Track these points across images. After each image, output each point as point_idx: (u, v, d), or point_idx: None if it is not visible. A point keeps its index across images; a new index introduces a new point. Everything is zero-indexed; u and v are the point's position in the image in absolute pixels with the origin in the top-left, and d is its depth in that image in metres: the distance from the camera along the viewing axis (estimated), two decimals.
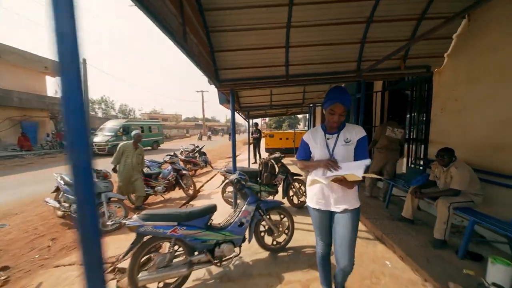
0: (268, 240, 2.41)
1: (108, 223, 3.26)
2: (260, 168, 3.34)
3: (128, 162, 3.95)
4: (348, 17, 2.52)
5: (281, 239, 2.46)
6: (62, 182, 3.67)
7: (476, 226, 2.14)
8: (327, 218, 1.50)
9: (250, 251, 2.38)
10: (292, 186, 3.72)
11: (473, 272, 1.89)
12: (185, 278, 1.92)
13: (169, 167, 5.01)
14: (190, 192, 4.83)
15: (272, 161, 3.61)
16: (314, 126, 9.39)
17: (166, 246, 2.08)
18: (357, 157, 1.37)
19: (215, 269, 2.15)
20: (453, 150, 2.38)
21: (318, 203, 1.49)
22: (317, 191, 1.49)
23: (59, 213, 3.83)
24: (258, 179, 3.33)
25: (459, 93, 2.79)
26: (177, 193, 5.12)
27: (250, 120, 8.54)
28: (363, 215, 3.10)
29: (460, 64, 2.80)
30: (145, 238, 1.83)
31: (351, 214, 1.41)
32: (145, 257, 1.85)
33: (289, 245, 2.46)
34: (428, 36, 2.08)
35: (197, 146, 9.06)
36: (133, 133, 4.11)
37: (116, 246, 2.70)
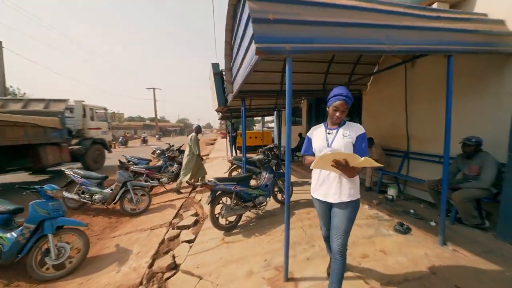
0: (279, 196, 3.78)
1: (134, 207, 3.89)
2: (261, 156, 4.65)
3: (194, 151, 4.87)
4: (319, 61, 4.19)
5: None
6: (78, 176, 4.00)
7: (386, 177, 4.12)
8: (327, 207, 1.59)
9: (270, 203, 3.69)
10: (277, 183, 3.83)
11: (382, 197, 3.80)
12: (240, 217, 3.06)
13: (160, 162, 5.68)
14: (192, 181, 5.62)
15: (268, 151, 4.97)
16: (279, 126, 11.23)
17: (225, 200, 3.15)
18: (356, 152, 1.40)
19: (252, 214, 3.35)
20: (372, 138, 4.34)
21: (319, 193, 1.58)
22: (317, 181, 1.58)
23: (72, 205, 4.08)
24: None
25: (374, 107, 4.89)
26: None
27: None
28: None
29: (373, 91, 4.91)
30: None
31: (348, 206, 1.47)
32: (219, 205, 2.92)
33: (291, 199, 3.90)
34: (358, 76, 3.93)
35: (173, 145, 9.45)
36: (195, 126, 5.19)
37: (150, 224, 3.53)
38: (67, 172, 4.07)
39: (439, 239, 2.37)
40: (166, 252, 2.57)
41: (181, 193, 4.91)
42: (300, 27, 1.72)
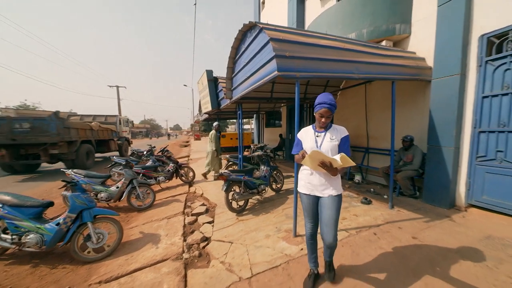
0: (274, 186, 4.58)
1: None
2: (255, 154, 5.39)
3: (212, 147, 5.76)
4: None
5: (279, 185, 4.69)
6: (80, 176, 4.12)
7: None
8: (314, 202, 1.75)
9: (268, 192, 4.44)
10: (272, 175, 4.51)
11: (351, 182, 4.92)
12: (247, 202, 3.75)
13: (150, 162, 5.96)
14: (190, 178, 6.00)
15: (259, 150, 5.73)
16: (259, 127, 12.08)
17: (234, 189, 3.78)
18: (341, 151, 1.62)
19: (254, 200, 4.07)
20: None
21: (307, 188, 1.75)
22: (306, 178, 1.76)
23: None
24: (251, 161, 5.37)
25: (342, 114, 6.13)
26: (175, 182, 6.08)
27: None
28: None
29: (342, 101, 6.15)
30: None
31: (335, 198, 1.66)
32: (230, 193, 3.55)
33: (282, 189, 4.73)
34: (331, 88, 5.03)
35: (154, 147, 9.45)
36: (215, 123, 5.97)
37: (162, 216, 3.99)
38: (68, 172, 4.14)
39: (389, 205, 3.48)
40: (192, 232, 3.10)
41: (207, 178, 6.08)
42: (305, 61, 2.55)
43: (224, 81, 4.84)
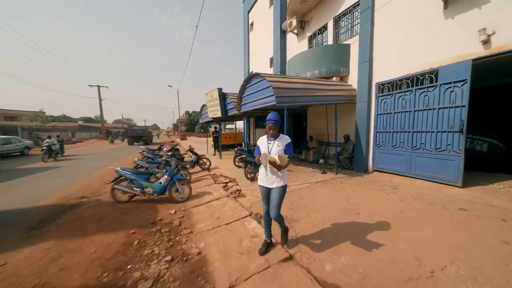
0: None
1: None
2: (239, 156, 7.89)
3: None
4: None
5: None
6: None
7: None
8: (267, 191, 2.46)
9: None
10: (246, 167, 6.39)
11: (317, 164, 7.73)
12: (255, 175, 6.25)
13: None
14: (207, 166, 8.23)
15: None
16: (247, 128, 14.55)
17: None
18: (286, 153, 2.31)
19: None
20: (312, 136, 8.28)
21: (262, 181, 2.46)
22: (262, 174, 2.44)
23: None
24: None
25: (312, 119, 8.94)
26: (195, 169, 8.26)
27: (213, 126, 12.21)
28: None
29: (312, 112, 8.96)
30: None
31: (279, 188, 2.36)
32: (247, 168, 6.03)
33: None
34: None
35: (163, 145, 11.40)
36: (214, 126, 8.42)
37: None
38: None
39: (335, 173, 6.29)
40: (228, 189, 5.49)
41: None
42: (290, 97, 5.16)
43: (231, 96, 7.37)
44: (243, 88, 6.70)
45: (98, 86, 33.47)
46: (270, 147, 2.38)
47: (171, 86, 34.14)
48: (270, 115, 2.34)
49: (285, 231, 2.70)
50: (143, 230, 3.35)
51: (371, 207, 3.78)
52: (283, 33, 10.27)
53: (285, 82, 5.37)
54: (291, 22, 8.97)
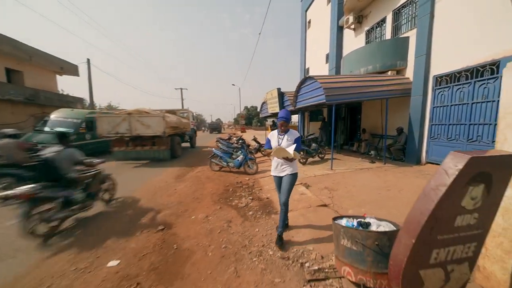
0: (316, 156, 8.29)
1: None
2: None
3: None
4: None
5: (321, 156, 8.35)
6: (219, 152, 7.91)
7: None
8: (279, 180, 2.70)
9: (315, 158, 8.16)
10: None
11: (368, 155, 8.23)
12: (307, 160, 7.57)
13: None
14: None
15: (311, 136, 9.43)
16: (302, 124, 15.60)
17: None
18: (295, 148, 2.43)
19: (311, 159, 7.88)
20: (364, 129, 8.71)
21: (275, 172, 2.71)
22: (274, 164, 2.69)
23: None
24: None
25: (368, 113, 9.23)
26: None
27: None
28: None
29: (365, 107, 9.24)
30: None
31: (290, 176, 2.58)
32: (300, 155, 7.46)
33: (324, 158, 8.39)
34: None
35: (231, 136, 14.06)
36: (272, 120, 10.47)
37: None
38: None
39: (383, 163, 6.81)
40: None
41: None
42: (339, 95, 6.15)
43: (288, 94, 8.78)
44: (299, 88, 8.00)
45: (181, 89, 41.55)
46: (280, 141, 2.64)
47: (234, 85, 38.52)
48: (281, 113, 2.62)
49: (286, 225, 2.98)
50: (233, 185, 5.42)
51: (404, 186, 4.51)
52: (339, 30, 10.69)
53: (335, 82, 6.36)
54: (348, 19, 9.38)
